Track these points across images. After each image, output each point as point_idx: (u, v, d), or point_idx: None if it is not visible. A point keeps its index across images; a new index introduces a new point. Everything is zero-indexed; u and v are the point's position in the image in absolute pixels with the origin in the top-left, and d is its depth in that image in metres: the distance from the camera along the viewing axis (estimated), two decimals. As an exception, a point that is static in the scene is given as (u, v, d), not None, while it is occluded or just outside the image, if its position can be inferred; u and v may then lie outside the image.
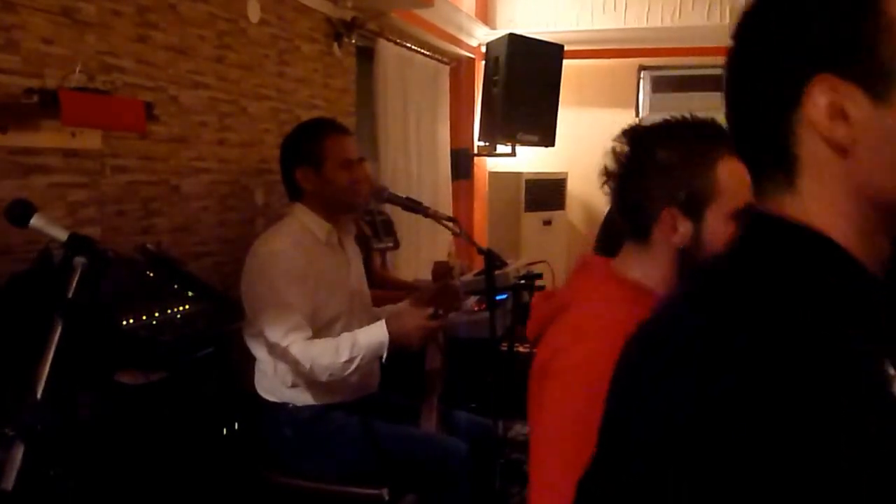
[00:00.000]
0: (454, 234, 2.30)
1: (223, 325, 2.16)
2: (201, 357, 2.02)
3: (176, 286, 2.19)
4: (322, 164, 2.18)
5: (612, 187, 1.09)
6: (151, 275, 2.18)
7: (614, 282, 1.08)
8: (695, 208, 1.04)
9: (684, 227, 1.04)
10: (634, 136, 1.08)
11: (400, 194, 2.38)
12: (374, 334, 2.02)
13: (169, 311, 2.02)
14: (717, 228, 1.02)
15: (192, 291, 2.19)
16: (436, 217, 2.28)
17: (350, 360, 1.99)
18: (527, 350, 3.29)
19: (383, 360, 2.03)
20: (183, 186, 2.60)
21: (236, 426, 2.18)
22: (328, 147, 2.19)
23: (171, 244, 2.51)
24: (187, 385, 2.00)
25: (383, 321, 2.04)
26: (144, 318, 1.94)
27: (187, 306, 2.09)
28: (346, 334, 2.05)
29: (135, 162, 2.39)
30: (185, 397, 1.98)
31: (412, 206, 2.31)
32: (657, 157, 1.05)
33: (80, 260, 1.47)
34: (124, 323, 1.88)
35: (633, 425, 0.62)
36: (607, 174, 1.09)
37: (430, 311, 2.07)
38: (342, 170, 2.18)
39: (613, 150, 1.08)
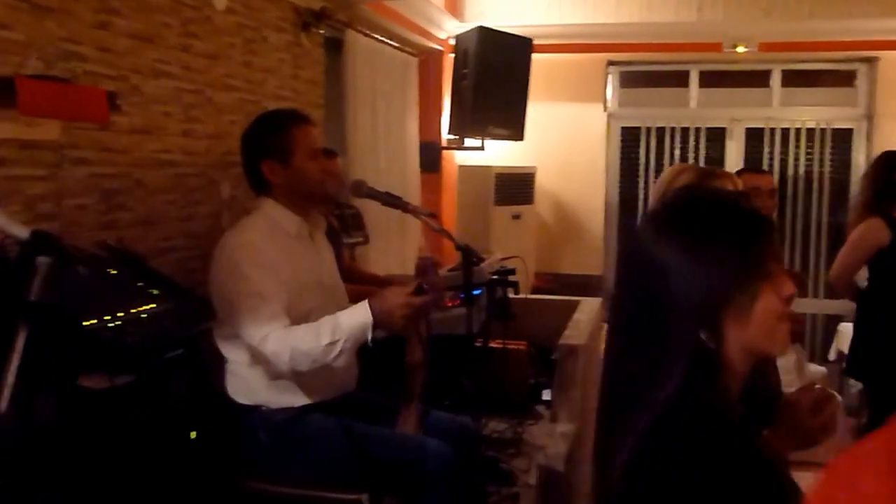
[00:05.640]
0: (433, 229, 2.25)
1: (192, 325, 2.07)
2: (170, 359, 1.93)
3: (140, 284, 2.10)
4: (290, 156, 2.10)
5: None
6: (114, 272, 2.09)
7: None
8: None
9: None
10: None
11: (379, 188, 2.31)
12: (357, 315, 1.92)
13: (134, 311, 1.93)
14: None
15: (157, 289, 2.10)
16: (415, 212, 2.23)
17: (333, 343, 1.88)
18: (500, 345, 3.25)
19: (369, 342, 1.93)
20: (146, 179, 2.51)
21: (207, 431, 2.09)
22: (295, 138, 2.11)
23: (133, 240, 2.42)
24: (155, 388, 1.91)
25: (366, 301, 1.94)
26: (108, 318, 1.84)
27: (153, 305, 2.00)
28: (326, 317, 1.94)
29: (95, 154, 2.29)
30: (153, 401, 1.90)
31: (392, 201, 2.25)
32: None
33: (43, 259, 1.38)
34: (87, 324, 1.78)
35: None
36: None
37: (414, 286, 1.94)
38: (311, 161, 2.12)
39: None
